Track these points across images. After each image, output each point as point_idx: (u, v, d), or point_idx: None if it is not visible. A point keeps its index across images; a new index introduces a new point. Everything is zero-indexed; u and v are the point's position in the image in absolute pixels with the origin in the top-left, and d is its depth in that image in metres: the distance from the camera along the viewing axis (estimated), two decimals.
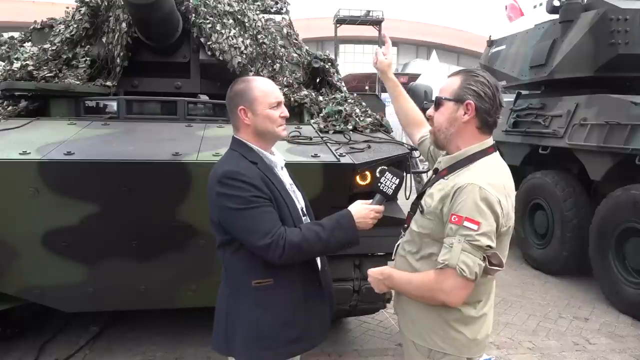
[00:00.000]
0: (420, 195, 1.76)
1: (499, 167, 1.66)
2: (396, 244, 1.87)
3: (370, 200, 1.83)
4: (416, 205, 1.75)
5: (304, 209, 1.92)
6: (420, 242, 1.69)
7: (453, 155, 1.67)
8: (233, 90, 1.83)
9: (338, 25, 32.42)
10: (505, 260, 1.70)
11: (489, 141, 1.67)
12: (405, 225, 1.82)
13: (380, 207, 1.81)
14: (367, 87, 30.04)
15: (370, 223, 1.80)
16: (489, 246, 1.50)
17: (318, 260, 1.93)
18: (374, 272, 1.78)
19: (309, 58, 4.08)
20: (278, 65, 3.86)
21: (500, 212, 1.52)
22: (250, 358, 1.80)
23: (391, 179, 1.80)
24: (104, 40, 3.69)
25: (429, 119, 1.76)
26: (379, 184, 1.81)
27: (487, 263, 1.52)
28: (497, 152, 1.70)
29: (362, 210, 1.78)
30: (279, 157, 1.92)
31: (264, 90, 1.79)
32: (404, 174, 1.96)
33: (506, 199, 1.56)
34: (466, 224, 1.50)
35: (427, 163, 2.12)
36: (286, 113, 1.85)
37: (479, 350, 1.70)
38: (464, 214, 1.51)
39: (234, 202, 1.66)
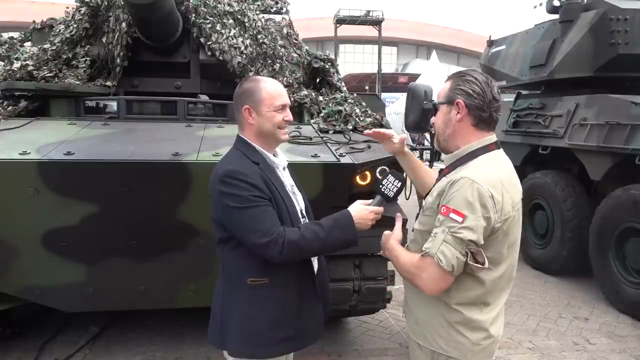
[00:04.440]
0: (424, 197, 1.78)
1: (499, 163, 1.66)
2: (405, 246, 1.87)
3: (370, 201, 1.83)
4: (421, 206, 1.77)
5: (303, 211, 1.93)
6: (421, 240, 1.69)
7: (454, 153, 1.69)
8: (241, 88, 1.84)
9: (338, 25, 32.44)
10: (516, 259, 1.70)
11: (490, 138, 1.68)
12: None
13: (380, 209, 1.82)
14: (367, 87, 30.09)
15: (370, 224, 1.80)
16: (471, 241, 1.50)
17: (315, 262, 1.93)
18: (384, 237, 1.79)
19: (309, 58, 4.09)
20: (278, 65, 3.86)
21: (491, 207, 1.52)
22: (241, 354, 1.82)
23: (393, 181, 1.82)
24: (104, 40, 3.69)
25: (433, 125, 1.79)
26: (381, 186, 1.82)
27: (469, 259, 1.51)
28: (501, 149, 1.70)
29: (362, 211, 1.79)
30: (281, 158, 1.93)
31: (271, 93, 1.80)
32: (405, 175, 1.97)
33: (502, 195, 1.55)
34: (452, 215, 1.51)
35: (427, 163, 2.13)
36: (290, 117, 1.86)
37: (485, 356, 1.67)
38: (452, 205, 1.52)
39: (235, 200, 1.68)
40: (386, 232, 1.80)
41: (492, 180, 1.55)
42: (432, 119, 1.78)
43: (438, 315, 1.65)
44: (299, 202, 1.91)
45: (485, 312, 1.64)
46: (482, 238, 1.52)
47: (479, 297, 1.62)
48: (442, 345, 1.65)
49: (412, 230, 1.85)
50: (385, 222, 1.88)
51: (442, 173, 1.74)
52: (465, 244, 1.50)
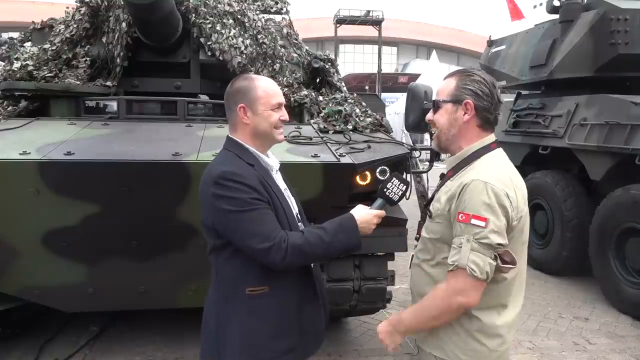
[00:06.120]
0: (428, 203, 1.74)
1: (503, 161, 1.64)
2: (410, 255, 1.84)
3: (373, 205, 1.80)
4: (425, 213, 1.72)
5: (298, 215, 1.87)
6: (433, 248, 1.66)
7: (456, 155, 1.66)
8: (234, 87, 1.76)
9: (338, 25, 32.40)
10: (526, 259, 1.68)
11: (491, 137, 1.66)
12: (418, 235, 1.79)
13: (382, 212, 1.78)
14: (367, 87, 30.05)
15: (373, 227, 1.76)
16: (499, 244, 1.46)
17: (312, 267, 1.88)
18: (383, 327, 1.71)
19: (309, 58, 4.09)
20: (278, 65, 3.86)
21: (509, 206, 1.49)
22: None
23: (398, 185, 1.78)
24: (104, 40, 3.69)
25: (430, 123, 1.74)
26: (385, 190, 1.79)
27: (499, 261, 1.48)
28: (500, 148, 1.68)
29: (366, 215, 1.74)
30: (274, 160, 1.85)
31: (266, 91, 1.74)
32: (409, 178, 1.95)
33: (514, 192, 1.53)
34: (474, 221, 1.46)
35: (427, 163, 2.11)
36: (286, 116, 1.80)
37: None
38: (471, 211, 1.47)
39: (232, 204, 1.59)
40: (378, 328, 1.72)
41: (502, 178, 1.53)
42: (429, 116, 1.72)
43: (455, 325, 1.61)
44: (293, 206, 1.85)
45: (503, 315, 1.61)
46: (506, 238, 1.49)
47: (496, 299, 1.59)
48: (459, 355, 1.61)
49: (416, 239, 1.82)
50: (386, 223, 1.87)
51: (445, 177, 1.70)
52: (493, 248, 1.46)
